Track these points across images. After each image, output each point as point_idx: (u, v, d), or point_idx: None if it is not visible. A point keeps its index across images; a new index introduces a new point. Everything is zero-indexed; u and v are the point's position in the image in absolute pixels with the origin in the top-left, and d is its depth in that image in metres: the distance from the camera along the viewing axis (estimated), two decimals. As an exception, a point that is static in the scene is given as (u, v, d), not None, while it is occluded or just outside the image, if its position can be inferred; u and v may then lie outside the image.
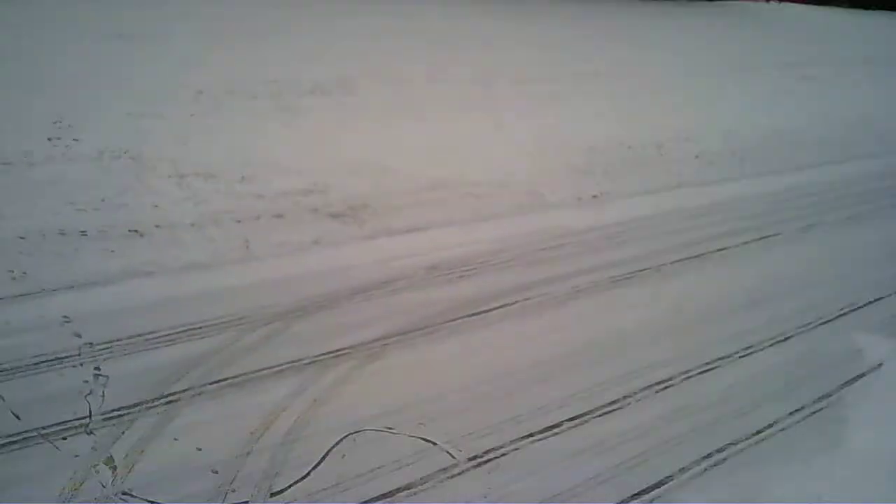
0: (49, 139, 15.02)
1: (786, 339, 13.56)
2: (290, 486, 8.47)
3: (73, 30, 20.76)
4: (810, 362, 12.95)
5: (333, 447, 9.09)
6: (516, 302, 12.91)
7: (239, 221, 13.46)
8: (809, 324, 14.13)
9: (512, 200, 16.75)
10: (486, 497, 8.87)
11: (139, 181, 14.11)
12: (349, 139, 17.47)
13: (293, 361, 10.40)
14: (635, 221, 16.88)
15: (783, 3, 53.73)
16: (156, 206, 13.35)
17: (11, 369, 9.32)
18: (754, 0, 52.49)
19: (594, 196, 17.96)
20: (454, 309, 12.38)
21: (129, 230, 12.51)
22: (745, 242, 16.80)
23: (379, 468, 8.94)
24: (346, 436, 9.32)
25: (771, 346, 13.25)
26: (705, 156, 21.97)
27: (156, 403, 9.25)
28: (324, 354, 10.67)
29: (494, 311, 12.56)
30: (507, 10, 34.36)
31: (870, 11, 57.37)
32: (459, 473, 9.13)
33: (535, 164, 18.58)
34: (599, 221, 16.60)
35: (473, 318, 12.29)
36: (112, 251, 11.90)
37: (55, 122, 15.82)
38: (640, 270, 14.91)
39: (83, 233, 12.17)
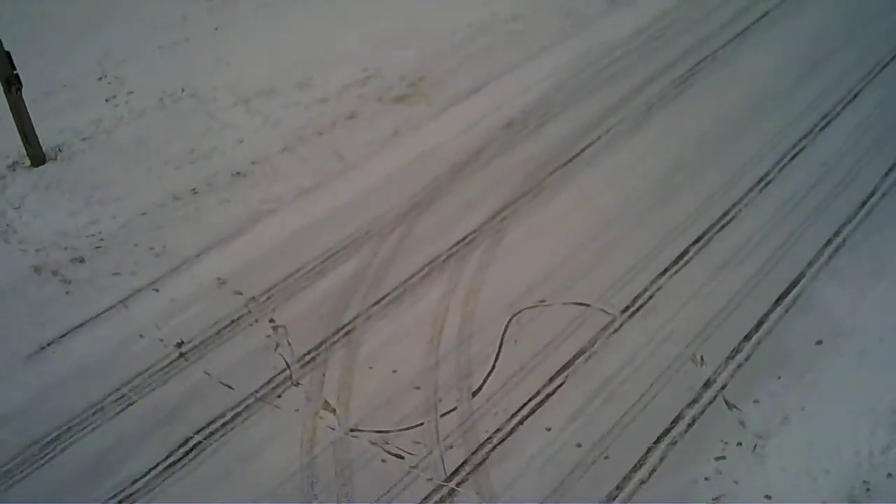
0: (107, 100, 15.42)
1: (855, 95, 14.08)
2: (484, 382, 9.49)
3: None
4: (887, 113, 13.51)
5: (504, 335, 10.03)
6: (599, 138, 13.47)
7: (321, 134, 13.99)
8: (871, 72, 14.58)
9: (551, 25, 16.85)
10: (651, 341, 9.83)
11: (212, 118, 14.59)
12: (375, 12, 17.52)
13: (431, 261, 11.23)
14: (668, 15, 16.90)
15: None
16: (241, 142, 13.88)
17: (201, 343, 10.25)
18: None
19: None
20: (548, 161, 13.01)
21: (232, 174, 13.12)
22: (782, 1, 16.98)
23: (550, 342, 9.91)
24: (509, 320, 10.25)
25: (843, 108, 13.80)
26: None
27: (337, 337, 10.20)
28: (455, 245, 11.47)
29: (585, 152, 13.17)
30: None
31: None
32: (620, 326, 10.07)
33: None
34: (639, 23, 16.75)
35: (569, 165, 12.93)
36: (228, 200, 12.55)
37: (100, 79, 16.16)
38: (697, 64, 15.28)
39: (194, 191, 12.80)
